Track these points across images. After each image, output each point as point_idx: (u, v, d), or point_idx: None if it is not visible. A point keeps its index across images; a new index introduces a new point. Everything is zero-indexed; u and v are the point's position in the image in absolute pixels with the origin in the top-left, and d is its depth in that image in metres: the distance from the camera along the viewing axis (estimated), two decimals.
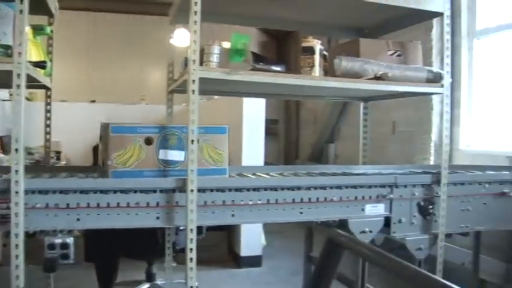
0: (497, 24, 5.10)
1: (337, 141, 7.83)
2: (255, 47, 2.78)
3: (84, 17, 9.11)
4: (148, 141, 2.51)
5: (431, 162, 5.32)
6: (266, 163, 6.79)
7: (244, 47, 2.70)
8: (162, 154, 2.53)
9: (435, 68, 2.99)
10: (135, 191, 2.44)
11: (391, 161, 5.28)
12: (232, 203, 2.59)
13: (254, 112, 4.87)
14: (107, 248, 3.75)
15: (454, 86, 5.39)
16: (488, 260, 4.09)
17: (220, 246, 5.18)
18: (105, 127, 2.58)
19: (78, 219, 2.38)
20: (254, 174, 3.11)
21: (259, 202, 2.62)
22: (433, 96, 5.36)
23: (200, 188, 2.46)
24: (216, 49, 2.60)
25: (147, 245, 3.73)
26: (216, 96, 5.74)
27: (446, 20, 2.95)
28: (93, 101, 7.39)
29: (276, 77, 2.58)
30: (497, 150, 4.94)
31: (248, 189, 2.61)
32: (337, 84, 2.70)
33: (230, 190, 2.58)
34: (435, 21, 5.39)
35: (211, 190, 2.55)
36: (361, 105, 3.80)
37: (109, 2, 8.79)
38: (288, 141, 9.03)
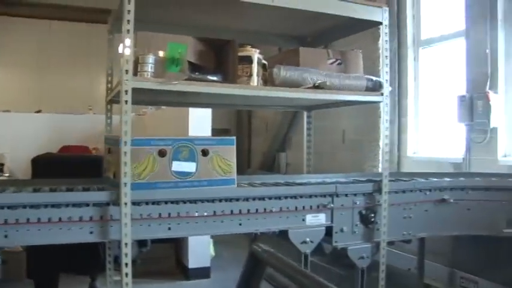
0: (441, 34, 5.21)
1: (288, 149, 7.84)
2: (192, 56, 2.73)
3: (31, 25, 8.89)
4: (162, 154, 2.53)
5: (380, 170, 5.35)
6: None
7: (181, 56, 2.64)
8: (175, 166, 2.55)
9: (375, 77, 2.99)
10: (67, 205, 2.35)
11: (342, 169, 5.28)
12: (168, 216, 2.51)
13: (200, 121, 4.80)
14: (46, 264, 3.62)
15: (401, 94, 5.48)
16: (433, 265, 4.13)
17: (168, 258, 5.10)
18: (115, 140, 2.55)
19: (5, 236, 2.27)
20: None
21: (196, 214, 2.56)
22: (381, 104, 5.41)
23: (135, 201, 2.39)
24: (150, 59, 2.53)
25: (88, 260, 3.62)
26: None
27: (385, 30, 2.96)
28: (39, 111, 7.18)
29: (211, 86, 2.53)
30: (442, 157, 5.03)
31: (184, 202, 2.54)
32: (275, 93, 2.68)
33: (166, 203, 2.51)
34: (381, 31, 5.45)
35: (147, 203, 2.48)
36: (305, 114, 3.78)
37: (56, 9, 8.58)
38: (239, 150, 8.94)
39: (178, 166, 2.55)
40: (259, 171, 7.99)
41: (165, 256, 5.08)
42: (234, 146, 2.77)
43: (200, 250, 4.97)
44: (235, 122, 9.01)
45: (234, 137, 2.77)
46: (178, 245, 5.24)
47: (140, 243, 3.92)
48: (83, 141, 6.12)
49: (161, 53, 2.62)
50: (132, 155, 2.37)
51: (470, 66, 4.69)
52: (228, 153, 2.72)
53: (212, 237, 5.11)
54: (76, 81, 9.15)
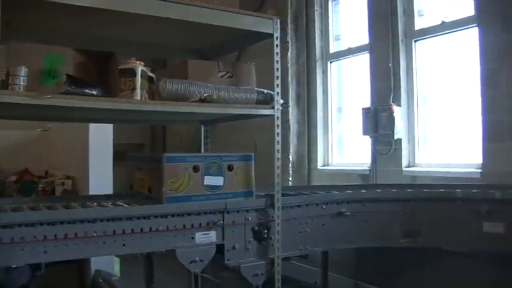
0: (348, 47, 5.28)
1: None
2: (72, 69, 2.58)
3: None
4: (196, 169, 2.78)
5: (290, 183, 5.35)
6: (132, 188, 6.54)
7: (58, 69, 2.49)
8: (207, 180, 2.80)
9: (266, 89, 2.94)
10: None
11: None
12: (44, 238, 2.35)
13: (101, 138, 4.62)
14: None
15: (311, 107, 5.52)
16: (338, 277, 4.13)
17: (69, 281, 4.82)
18: (151, 157, 3.07)
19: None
20: (99, 204, 2.88)
21: (75, 236, 2.40)
22: (290, 117, 5.43)
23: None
24: (22, 71, 2.37)
25: None
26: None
27: (276, 41, 2.91)
28: None
29: (88, 100, 2.39)
30: (351, 169, 5.07)
31: (62, 222, 2.39)
32: (158, 107, 2.57)
33: (42, 224, 2.35)
34: (290, 45, 5.50)
35: (19, 225, 2.30)
36: (202, 128, 3.69)
37: None
38: None
39: (209, 180, 2.81)
40: None
41: (66, 278, 4.80)
42: (253, 162, 3.08)
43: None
44: (150, 136, 8.81)
45: (253, 154, 3.09)
46: (81, 266, 4.98)
47: (33, 267, 3.70)
48: None
49: (36, 65, 2.46)
50: (170, 171, 2.69)
51: (375, 79, 4.78)
52: (248, 168, 3.02)
53: (118, 256, 4.90)
54: None
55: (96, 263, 4.65)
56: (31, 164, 5.50)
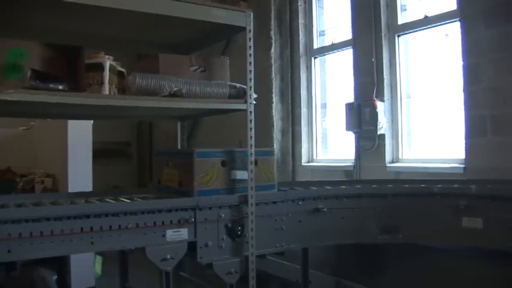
0: (332, 42, 5.24)
1: None
2: (38, 63, 2.52)
3: None
4: (223, 164, 2.92)
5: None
6: (116, 187, 6.49)
7: (22, 63, 2.43)
8: (233, 174, 2.93)
9: (238, 84, 2.89)
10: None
11: None
12: (8, 236, 2.29)
13: (80, 136, 4.55)
14: None
15: (295, 103, 5.46)
16: (319, 274, 4.09)
17: (47, 280, 4.76)
18: (181, 153, 3.29)
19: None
20: (71, 202, 2.82)
21: (40, 234, 2.34)
22: (274, 113, 5.38)
23: None
24: None
25: None
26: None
27: (249, 35, 2.86)
28: None
29: (52, 95, 2.33)
30: (335, 165, 5.04)
31: (27, 221, 2.32)
32: (125, 102, 2.51)
33: (6, 222, 2.29)
34: (274, 41, 5.45)
35: None
36: (178, 124, 3.63)
37: None
38: (141, 163, 8.71)
39: (236, 174, 2.93)
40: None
41: (44, 278, 4.74)
42: (275, 157, 3.28)
43: (83, 269, 4.67)
44: (136, 134, 8.73)
45: (273, 148, 3.46)
46: (60, 265, 4.91)
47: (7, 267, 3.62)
48: None
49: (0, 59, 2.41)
50: (200, 166, 2.83)
51: (358, 75, 4.74)
52: (270, 163, 3.15)
53: (100, 254, 4.85)
54: None
55: (76, 262, 4.60)
56: (14, 162, 5.44)
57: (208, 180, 2.84)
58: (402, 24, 4.51)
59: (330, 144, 5.41)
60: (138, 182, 8.40)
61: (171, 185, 3.06)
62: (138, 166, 8.71)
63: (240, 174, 2.93)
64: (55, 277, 3.07)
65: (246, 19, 2.87)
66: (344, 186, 3.45)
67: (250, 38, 2.87)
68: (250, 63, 2.84)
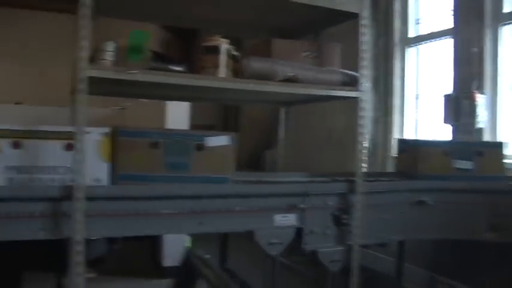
0: (430, 31, 5.08)
1: (275, 147, 7.66)
2: (158, 45, 2.59)
3: (12, 15, 8.63)
4: (445, 153, 3.14)
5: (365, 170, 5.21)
6: None
7: (143, 45, 2.50)
8: (458, 164, 3.15)
9: (350, 71, 2.84)
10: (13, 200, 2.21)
11: (327, 169, 5.16)
12: (123, 212, 2.37)
13: (178, 117, 4.63)
14: (5, 261, 3.45)
15: (388, 93, 5.36)
16: (412, 268, 4.00)
17: (142, 256, 4.91)
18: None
19: None
20: None
21: (151, 212, 2.40)
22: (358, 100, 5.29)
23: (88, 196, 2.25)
24: (110, 46, 2.39)
25: (53, 256, 3.45)
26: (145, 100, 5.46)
27: (362, 21, 2.80)
28: (19, 103, 6.96)
29: (173, 77, 2.38)
30: None
31: (137, 199, 2.39)
32: (241, 85, 2.53)
33: (119, 199, 2.36)
34: (369, 27, 5.33)
35: (100, 198, 2.33)
36: (282, 110, 3.62)
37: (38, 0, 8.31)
38: None
39: (459, 164, 3.13)
40: (246, 169, 7.80)
41: (139, 254, 4.89)
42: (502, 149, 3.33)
43: (176, 247, 4.77)
44: (222, 118, 8.82)
45: (502, 142, 3.42)
46: (153, 243, 5.06)
47: (111, 240, 3.77)
48: None
49: (123, 41, 2.48)
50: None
51: (458, 65, 4.56)
52: (500, 154, 3.26)
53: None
54: (59, 73, 8.86)
55: (168, 241, 4.72)
56: None
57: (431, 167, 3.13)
58: (508, 12, 4.29)
59: (420, 136, 5.26)
60: None
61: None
62: None
63: (464, 164, 3.10)
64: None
65: (359, 5, 2.81)
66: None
67: (363, 25, 2.81)
68: (364, 50, 2.79)
